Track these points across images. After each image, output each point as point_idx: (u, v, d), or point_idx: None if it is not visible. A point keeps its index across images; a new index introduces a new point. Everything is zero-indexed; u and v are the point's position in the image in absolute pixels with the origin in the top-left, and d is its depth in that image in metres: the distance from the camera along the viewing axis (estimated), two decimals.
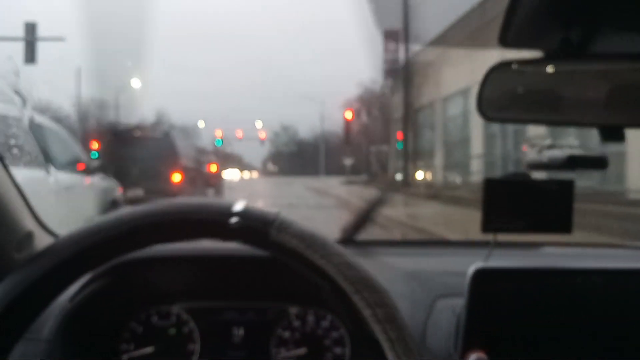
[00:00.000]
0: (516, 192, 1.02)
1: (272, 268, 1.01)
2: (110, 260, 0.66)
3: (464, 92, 15.74)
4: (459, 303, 0.95)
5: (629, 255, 1.42)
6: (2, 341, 0.60)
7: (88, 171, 5.52)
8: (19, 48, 14.17)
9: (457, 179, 17.64)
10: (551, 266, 0.98)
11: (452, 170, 18.45)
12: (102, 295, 1.00)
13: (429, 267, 1.23)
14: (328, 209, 13.07)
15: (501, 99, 0.82)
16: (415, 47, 18.65)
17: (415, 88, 18.86)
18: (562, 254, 1.38)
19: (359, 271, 0.63)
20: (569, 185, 1.03)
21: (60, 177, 4.52)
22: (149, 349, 1.08)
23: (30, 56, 14.17)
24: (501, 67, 0.79)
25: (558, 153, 1.15)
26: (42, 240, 1.04)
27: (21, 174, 1.05)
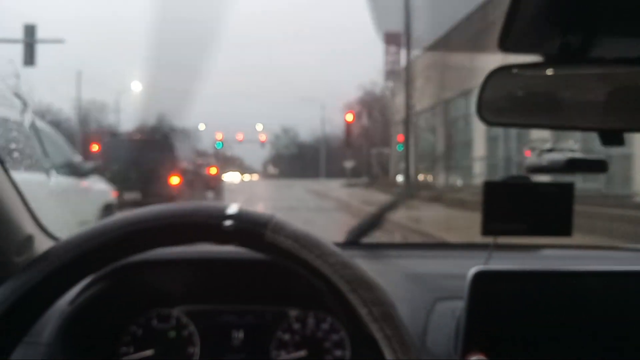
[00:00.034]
0: (516, 195, 1.02)
1: (272, 271, 1.01)
2: (108, 265, 0.66)
3: (466, 95, 15.73)
4: (459, 305, 0.95)
5: (627, 257, 1.42)
6: (2, 344, 0.60)
7: (80, 174, 5.34)
8: (18, 51, 14.18)
9: (459, 181, 17.62)
10: (551, 269, 0.98)
11: (454, 172, 18.43)
12: (101, 299, 1.00)
13: (429, 269, 1.23)
14: (328, 211, 13.06)
15: (501, 103, 0.82)
16: (416, 50, 18.66)
17: (417, 90, 18.86)
18: (562, 256, 1.38)
19: (355, 270, 0.63)
20: (568, 188, 1.03)
21: (49, 179, 4.34)
22: (148, 352, 1.08)
23: (29, 58, 14.15)
24: (501, 71, 0.79)
25: (558, 156, 1.15)
26: (42, 244, 1.04)
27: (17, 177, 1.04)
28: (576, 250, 1.41)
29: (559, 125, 0.85)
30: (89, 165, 5.82)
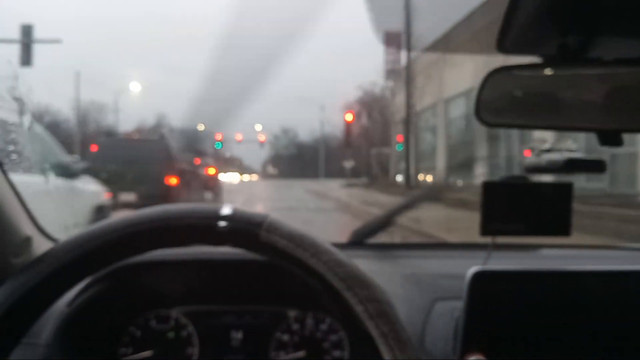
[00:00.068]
0: (515, 195, 1.02)
1: (271, 271, 1.01)
2: (107, 266, 0.66)
3: (467, 94, 15.68)
4: (458, 306, 0.95)
5: (626, 256, 1.42)
6: (1, 345, 0.60)
7: (70, 175, 5.10)
8: (15, 51, 14.13)
9: (460, 181, 17.56)
10: (549, 268, 0.98)
11: (455, 172, 18.38)
12: (100, 300, 1.00)
13: (428, 269, 1.23)
14: (328, 212, 13.05)
15: (499, 104, 0.82)
16: (417, 49, 18.60)
17: (417, 89, 18.83)
18: (561, 256, 1.38)
19: (349, 268, 0.63)
20: (567, 188, 1.03)
21: (36, 180, 4.23)
22: (147, 353, 1.08)
23: (26, 59, 14.03)
24: (499, 72, 0.79)
25: (557, 156, 1.15)
26: (41, 246, 1.04)
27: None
28: (575, 250, 1.41)
29: (557, 126, 0.85)
30: (80, 165, 5.62)
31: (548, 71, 0.78)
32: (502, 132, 14.15)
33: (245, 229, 0.64)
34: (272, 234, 0.63)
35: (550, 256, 1.39)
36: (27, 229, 1.02)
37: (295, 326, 1.12)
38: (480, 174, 15.34)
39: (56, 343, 0.92)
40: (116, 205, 7.62)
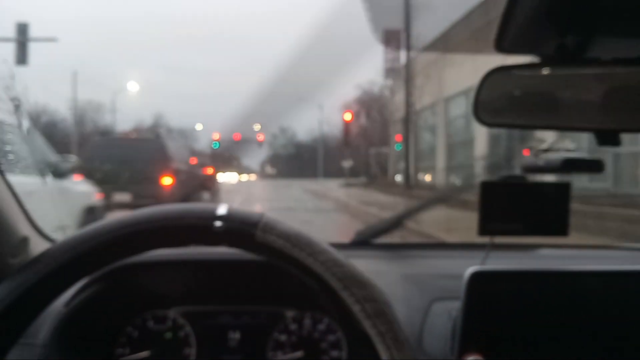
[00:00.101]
0: (513, 195, 1.02)
1: (268, 271, 1.01)
2: (104, 267, 0.66)
3: (467, 93, 15.61)
4: (456, 306, 0.95)
5: (624, 256, 1.42)
6: None
7: (58, 174, 4.80)
8: (10, 51, 14.05)
9: (460, 181, 17.50)
10: (547, 268, 0.99)
11: (455, 172, 18.30)
12: (97, 300, 0.99)
13: (426, 269, 1.23)
14: (327, 212, 13.03)
15: (497, 104, 0.82)
16: (416, 47, 18.54)
17: (417, 88, 18.78)
18: (559, 256, 1.38)
19: (346, 268, 0.63)
20: (565, 188, 1.03)
21: (19, 179, 4.04)
22: (145, 353, 1.08)
23: (21, 57, 13.92)
24: (498, 72, 0.79)
25: (554, 156, 1.15)
26: (38, 246, 1.04)
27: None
28: (573, 250, 1.41)
29: (555, 126, 0.85)
30: (68, 164, 5.32)
31: (546, 71, 0.78)
32: (503, 131, 14.08)
33: (241, 229, 0.63)
34: (268, 234, 0.63)
35: (549, 256, 1.39)
36: (25, 229, 1.02)
37: (293, 326, 1.12)
38: (481, 173, 15.29)
39: (53, 343, 0.92)
40: (110, 206, 7.50)
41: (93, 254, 0.63)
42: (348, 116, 26.95)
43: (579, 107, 0.81)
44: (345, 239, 1.44)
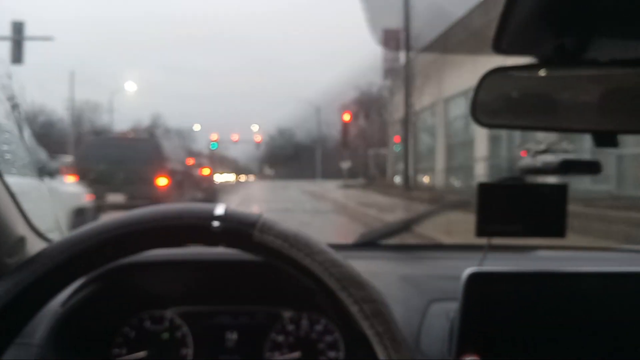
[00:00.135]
0: (510, 196, 1.02)
1: (265, 272, 1.01)
2: (100, 267, 0.66)
3: (467, 93, 15.53)
4: (453, 307, 0.95)
5: (622, 258, 1.43)
6: None
7: (45, 173, 4.56)
8: (6, 49, 13.99)
9: (459, 182, 17.45)
10: (545, 270, 0.99)
11: (454, 173, 18.25)
12: (94, 300, 0.99)
13: (423, 271, 1.23)
14: (325, 213, 13.02)
15: (495, 105, 0.82)
16: (415, 47, 18.47)
17: (416, 88, 18.73)
18: (556, 257, 1.39)
19: (344, 268, 0.63)
20: (562, 189, 1.03)
21: (10, 180, 3.91)
22: (141, 354, 1.08)
23: (17, 56, 13.81)
24: (495, 73, 0.79)
25: (552, 157, 1.16)
26: (35, 246, 1.04)
27: None
28: (571, 252, 1.41)
29: (553, 127, 0.85)
30: (55, 164, 5.17)
31: (544, 72, 0.78)
32: (503, 131, 14.01)
33: (239, 229, 0.63)
34: (266, 234, 0.63)
35: (546, 257, 1.39)
36: (21, 228, 1.01)
37: (290, 327, 1.12)
38: (481, 174, 15.23)
39: (50, 343, 0.92)
40: (103, 207, 7.37)
41: (90, 253, 0.63)
42: (347, 117, 26.94)
43: (577, 108, 0.81)
44: (343, 240, 1.44)
